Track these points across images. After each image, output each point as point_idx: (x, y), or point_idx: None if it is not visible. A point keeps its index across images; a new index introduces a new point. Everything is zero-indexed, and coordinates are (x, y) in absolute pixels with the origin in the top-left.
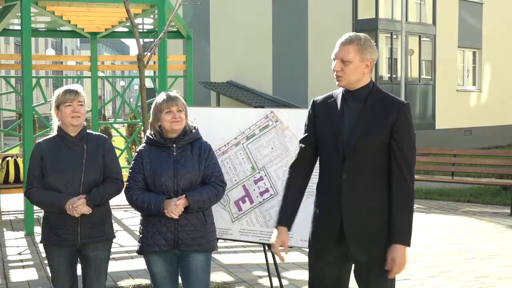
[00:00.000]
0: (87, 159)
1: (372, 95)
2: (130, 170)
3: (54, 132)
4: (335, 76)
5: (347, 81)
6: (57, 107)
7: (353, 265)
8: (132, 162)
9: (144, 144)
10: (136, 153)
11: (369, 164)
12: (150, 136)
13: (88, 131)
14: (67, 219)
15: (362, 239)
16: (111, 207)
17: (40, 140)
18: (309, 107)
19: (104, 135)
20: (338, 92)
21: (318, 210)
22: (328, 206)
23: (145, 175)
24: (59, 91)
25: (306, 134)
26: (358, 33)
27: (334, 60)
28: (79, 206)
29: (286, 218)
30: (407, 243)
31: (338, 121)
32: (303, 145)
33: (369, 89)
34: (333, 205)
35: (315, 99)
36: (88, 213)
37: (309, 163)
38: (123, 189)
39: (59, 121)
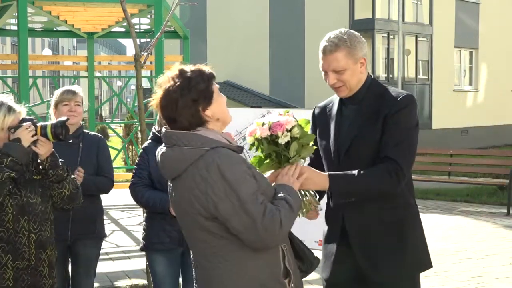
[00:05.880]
0: (82, 157)
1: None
2: (136, 167)
3: None
4: (334, 89)
5: (348, 89)
6: (56, 106)
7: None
8: (138, 159)
9: (150, 141)
10: (141, 150)
11: None
12: (157, 133)
13: (84, 130)
14: (60, 215)
15: None
16: (107, 206)
17: None
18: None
19: (100, 135)
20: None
21: None
22: None
23: (150, 172)
24: (59, 91)
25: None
26: (339, 32)
27: (325, 72)
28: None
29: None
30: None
31: (335, 129)
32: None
33: (366, 88)
34: None
35: (315, 107)
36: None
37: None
38: (128, 186)
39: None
